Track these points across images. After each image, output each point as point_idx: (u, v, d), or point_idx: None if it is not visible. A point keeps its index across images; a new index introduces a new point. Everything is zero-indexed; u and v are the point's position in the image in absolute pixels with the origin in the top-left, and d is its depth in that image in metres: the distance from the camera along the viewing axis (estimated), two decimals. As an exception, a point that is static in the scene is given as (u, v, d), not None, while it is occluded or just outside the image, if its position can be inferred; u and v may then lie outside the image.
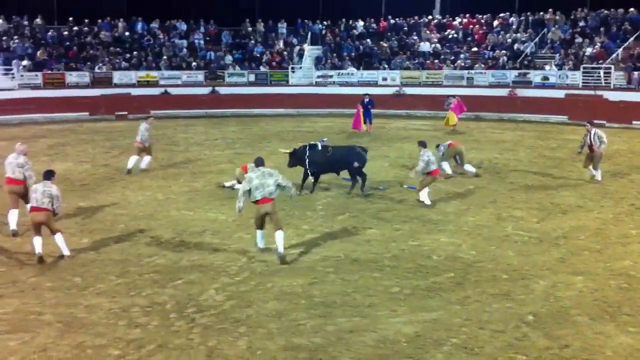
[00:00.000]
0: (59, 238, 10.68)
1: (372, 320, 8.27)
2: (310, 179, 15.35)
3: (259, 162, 10.74)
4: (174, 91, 33.63)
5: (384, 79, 34.85)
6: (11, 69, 32.03)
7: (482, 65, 33.80)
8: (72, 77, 32.85)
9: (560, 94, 30.67)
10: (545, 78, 31.72)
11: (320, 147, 15.18)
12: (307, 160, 15.01)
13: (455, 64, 34.42)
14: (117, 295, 9.09)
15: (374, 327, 8.08)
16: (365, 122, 25.10)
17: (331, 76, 35.62)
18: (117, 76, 33.59)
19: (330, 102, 32.44)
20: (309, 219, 13.01)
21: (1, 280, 9.65)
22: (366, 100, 25.37)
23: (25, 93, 31.22)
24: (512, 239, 11.75)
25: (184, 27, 37.51)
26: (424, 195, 14.16)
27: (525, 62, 33.16)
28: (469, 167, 17.03)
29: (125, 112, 31.28)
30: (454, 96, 25.95)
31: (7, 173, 12.34)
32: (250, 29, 38.37)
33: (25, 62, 32.49)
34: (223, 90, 34.28)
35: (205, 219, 13.00)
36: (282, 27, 38.49)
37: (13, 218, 12.04)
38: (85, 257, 10.72)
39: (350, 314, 8.44)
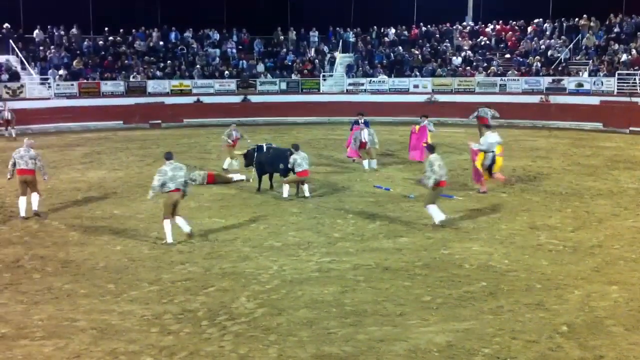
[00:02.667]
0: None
1: (403, 329, 8.22)
2: (256, 177, 16.58)
3: (170, 157, 11.99)
4: (206, 100, 33.97)
5: (416, 87, 34.78)
6: (48, 79, 32.65)
7: (515, 72, 33.52)
8: (107, 86, 33.40)
9: (595, 100, 30.31)
10: (580, 84, 31.35)
11: (265, 149, 16.28)
12: (255, 161, 16.31)
13: (488, 71, 34.19)
14: (150, 302, 9.18)
15: (405, 336, 8.02)
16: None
17: (362, 84, 35.65)
18: (151, 85, 34.07)
19: (362, 110, 32.38)
20: (340, 227, 13.00)
21: (36, 286, 9.81)
22: (361, 121, 20.14)
23: (61, 102, 31.84)
24: (546, 247, 11.60)
25: (216, 36, 37.91)
26: (285, 189, 15.68)
27: (559, 69, 32.80)
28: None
29: (159, 121, 31.69)
30: (426, 116, 20.46)
31: (20, 165, 13.70)
32: (282, 37, 38.60)
33: (61, 72, 33.11)
34: (255, 99, 34.52)
35: (236, 226, 13.06)
36: (314, 35, 38.63)
37: (22, 205, 13.70)
38: (118, 264, 10.85)
39: (381, 323, 8.40)
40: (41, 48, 34.70)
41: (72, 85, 32.85)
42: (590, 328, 8.20)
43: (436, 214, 12.83)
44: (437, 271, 10.37)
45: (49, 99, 32.01)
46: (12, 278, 10.20)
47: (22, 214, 13.66)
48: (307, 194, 15.68)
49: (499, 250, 11.41)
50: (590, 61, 32.39)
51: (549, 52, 34.00)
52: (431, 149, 13.17)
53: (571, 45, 33.80)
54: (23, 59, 33.43)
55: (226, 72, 35.61)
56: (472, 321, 8.43)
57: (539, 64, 33.29)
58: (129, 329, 8.27)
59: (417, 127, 20.05)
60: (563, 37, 34.40)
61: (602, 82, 30.78)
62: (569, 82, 31.65)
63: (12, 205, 14.95)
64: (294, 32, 38.77)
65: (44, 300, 9.29)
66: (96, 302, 9.17)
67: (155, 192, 11.88)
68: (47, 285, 9.88)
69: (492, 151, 15.55)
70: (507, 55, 35.44)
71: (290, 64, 36.89)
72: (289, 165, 15.54)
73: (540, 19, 36.41)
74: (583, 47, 33.66)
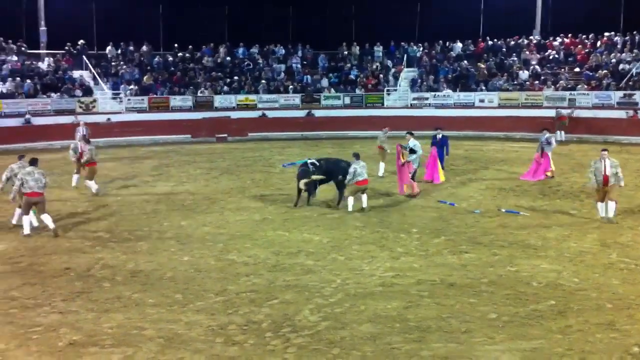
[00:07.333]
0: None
1: (468, 347, 8.10)
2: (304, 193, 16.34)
3: (33, 162, 13.75)
4: (271, 114, 34.40)
5: (481, 101, 34.37)
6: (119, 93, 33.67)
7: (585, 86, 32.75)
8: (175, 100, 34.20)
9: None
10: (653, 99, 30.41)
11: (317, 164, 16.17)
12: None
13: (557, 85, 33.50)
14: (215, 312, 9.31)
15: (470, 354, 7.90)
16: (443, 168, 19.66)
17: (427, 98, 35.44)
18: (218, 100, 34.72)
19: (426, 124, 32.13)
20: (404, 242, 12.92)
21: (106, 295, 10.08)
22: (439, 137, 19.97)
23: (132, 116, 32.80)
24: (618, 266, 11.25)
25: (282, 51, 38.37)
26: (350, 203, 15.61)
27: (630, 83, 31.88)
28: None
29: (225, 135, 32.22)
30: (548, 129, 20.39)
31: None
32: (346, 52, 38.80)
33: (132, 87, 34.08)
34: (319, 113, 34.76)
35: (300, 239, 13.15)
36: (378, 50, 38.67)
37: None
38: (185, 274, 11.05)
39: (445, 340, 8.30)
40: (113, 64, 35.82)
41: (143, 100, 33.80)
42: (664, 350, 7.91)
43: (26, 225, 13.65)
44: (503, 288, 10.18)
45: (120, 113, 33.01)
46: (83, 286, 10.50)
47: None
48: (364, 204, 15.65)
49: (568, 268, 11.13)
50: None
51: (620, 66, 33.10)
52: (32, 162, 13.90)
53: (643, 59, 32.86)
54: (96, 74, 34.59)
55: (290, 87, 35.99)
56: (540, 340, 8.24)
57: (609, 78, 32.44)
58: (195, 339, 8.41)
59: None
60: (635, 50, 33.44)
61: (675, 97, 29.79)
62: (641, 97, 30.75)
63: (85, 215, 15.45)
64: (358, 47, 38.90)
65: (113, 308, 9.53)
66: (164, 312, 9.36)
67: (12, 195, 13.85)
68: (116, 294, 10.14)
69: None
70: (577, 69, 34.66)
71: (354, 78, 37.01)
72: (349, 176, 15.53)
73: (612, 33, 35.50)
74: (656, 61, 32.68)
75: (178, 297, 9.96)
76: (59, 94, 32.63)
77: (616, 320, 8.84)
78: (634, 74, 32.28)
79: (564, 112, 30.57)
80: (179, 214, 15.66)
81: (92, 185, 17.95)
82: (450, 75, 36.43)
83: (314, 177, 15.89)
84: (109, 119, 32.29)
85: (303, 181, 15.77)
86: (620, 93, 31.41)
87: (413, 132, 18.31)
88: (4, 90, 31.83)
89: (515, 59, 36.47)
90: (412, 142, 17.36)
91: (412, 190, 17.16)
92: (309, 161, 16.35)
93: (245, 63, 37.43)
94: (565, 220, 14.56)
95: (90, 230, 14.17)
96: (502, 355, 7.84)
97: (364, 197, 15.77)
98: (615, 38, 35.10)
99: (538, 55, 36.45)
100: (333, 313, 9.25)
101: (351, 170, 15.52)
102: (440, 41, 38.74)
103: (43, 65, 34.77)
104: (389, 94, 36.06)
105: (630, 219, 14.50)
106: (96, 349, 8.18)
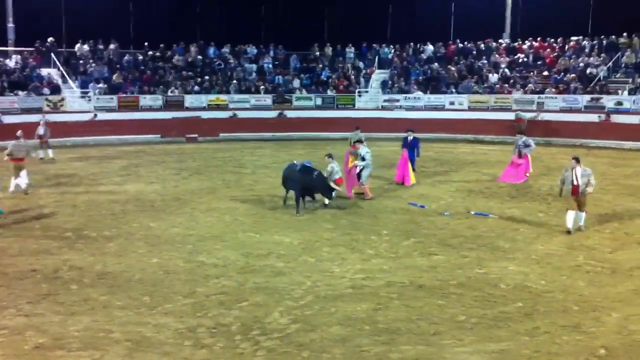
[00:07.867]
0: None
1: (437, 348, 8.15)
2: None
3: None
4: (242, 114, 34.24)
5: (452, 103, 34.63)
6: (88, 92, 33.24)
7: (553, 90, 33.17)
8: (145, 100, 33.88)
9: (634, 119, 29.78)
10: (619, 103, 30.87)
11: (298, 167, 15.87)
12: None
13: (526, 88, 33.88)
14: (184, 315, 9.24)
15: (439, 356, 7.96)
16: (414, 169, 19.73)
17: (398, 100, 35.59)
18: (189, 99, 34.48)
19: (397, 126, 32.30)
20: (374, 244, 12.96)
21: (73, 297, 9.95)
22: (410, 138, 20.37)
23: (101, 115, 32.34)
24: (584, 269, 11.42)
25: (254, 51, 38.24)
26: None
27: (598, 87, 32.36)
28: None
29: (196, 135, 32.00)
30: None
31: None
32: (318, 53, 38.82)
33: (101, 85, 33.68)
34: (290, 114, 34.72)
35: (271, 241, 13.11)
36: (350, 51, 38.75)
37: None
38: (154, 276, 10.96)
39: (414, 342, 8.34)
40: (81, 62, 35.36)
41: (112, 98, 33.42)
42: (628, 352, 8.05)
43: None
44: (472, 290, 10.27)
45: (89, 112, 32.56)
46: (49, 289, 10.36)
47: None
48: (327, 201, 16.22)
49: (536, 271, 11.27)
50: (630, 79, 31.90)
51: (588, 70, 33.58)
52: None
53: (610, 63, 33.33)
54: (64, 72, 34.11)
55: (262, 87, 35.90)
56: (508, 342, 8.33)
57: (577, 82, 32.89)
58: (163, 342, 8.34)
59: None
60: (602, 55, 33.95)
61: (642, 101, 30.28)
62: (608, 101, 31.19)
63: (52, 215, 15.23)
64: (330, 48, 38.95)
65: (80, 311, 9.41)
66: (131, 314, 9.27)
67: None
68: (83, 296, 10.02)
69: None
70: (545, 73, 35.09)
71: (325, 79, 37.04)
72: (327, 174, 15.86)
73: (580, 37, 36.00)
74: (622, 65, 33.18)
75: (146, 299, 9.87)
76: (26, 92, 32.13)
77: (582, 323, 8.97)
78: (601, 78, 32.77)
79: (526, 115, 30.89)
80: (148, 215, 15.53)
81: (15, 182, 17.61)
82: (421, 78, 36.64)
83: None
84: (95, 115, 31.94)
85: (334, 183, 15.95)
86: (588, 97, 31.85)
87: (363, 140, 18.67)
88: (-30, 88, 31.28)
89: (485, 61, 36.82)
90: (364, 150, 17.23)
91: (364, 191, 17.27)
92: (307, 163, 16.18)
93: (217, 62, 37.24)
94: (533, 222, 14.73)
95: (58, 231, 13.98)
96: (470, 357, 7.91)
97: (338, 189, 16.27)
98: (583, 42, 35.59)
99: (507, 59, 36.81)
100: (303, 315, 9.24)
101: (329, 168, 15.90)
102: (412, 43, 38.92)
103: (10, 63, 34.17)
104: (360, 96, 36.16)
105: (596, 222, 14.71)
106: (63, 352, 8.08)
